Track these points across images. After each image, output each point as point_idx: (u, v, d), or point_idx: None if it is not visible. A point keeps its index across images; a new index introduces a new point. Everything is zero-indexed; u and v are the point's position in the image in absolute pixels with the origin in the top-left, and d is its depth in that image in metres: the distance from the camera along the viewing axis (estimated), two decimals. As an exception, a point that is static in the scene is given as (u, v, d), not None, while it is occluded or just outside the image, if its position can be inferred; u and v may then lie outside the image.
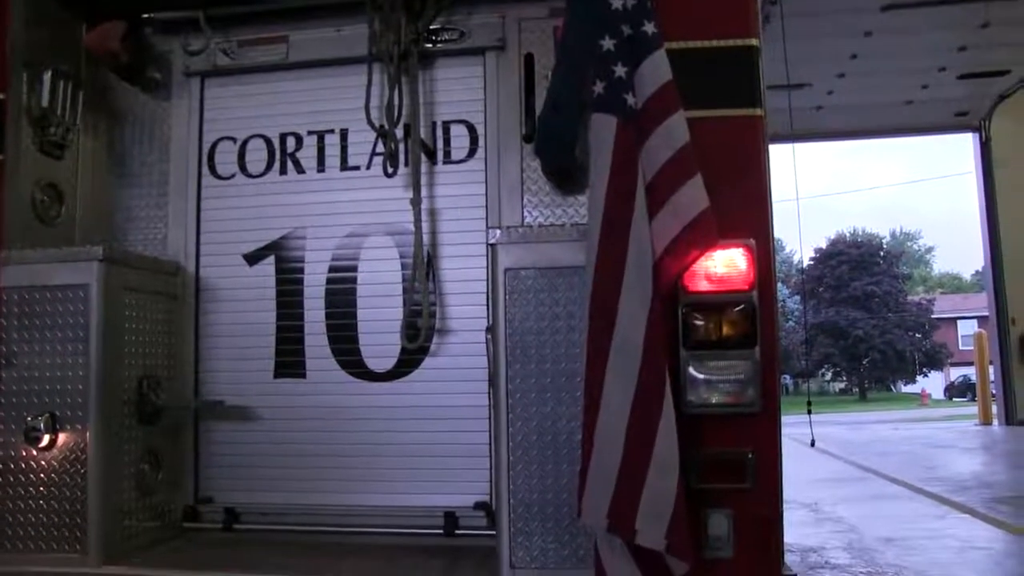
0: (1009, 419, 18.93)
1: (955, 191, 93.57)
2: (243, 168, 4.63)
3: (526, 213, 4.27)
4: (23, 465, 3.77)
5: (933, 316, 55.90)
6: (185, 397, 4.45)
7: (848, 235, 61.16)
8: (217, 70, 4.63)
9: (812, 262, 55.76)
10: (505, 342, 3.43)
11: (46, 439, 3.76)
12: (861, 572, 6.05)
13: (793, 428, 19.36)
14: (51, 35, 4.33)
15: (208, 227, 4.61)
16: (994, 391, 20.09)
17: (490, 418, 3.97)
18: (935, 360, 55.27)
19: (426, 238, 4.31)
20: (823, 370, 57.15)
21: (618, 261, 2.99)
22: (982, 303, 27.91)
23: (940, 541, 7.12)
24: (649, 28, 3.18)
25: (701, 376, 3.21)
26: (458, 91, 4.46)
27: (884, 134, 22.71)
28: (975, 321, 47.03)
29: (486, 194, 4.35)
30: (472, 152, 4.43)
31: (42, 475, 3.76)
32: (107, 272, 3.88)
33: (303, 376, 4.44)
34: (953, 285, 74.66)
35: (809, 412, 8.75)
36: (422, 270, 4.26)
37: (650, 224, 3.05)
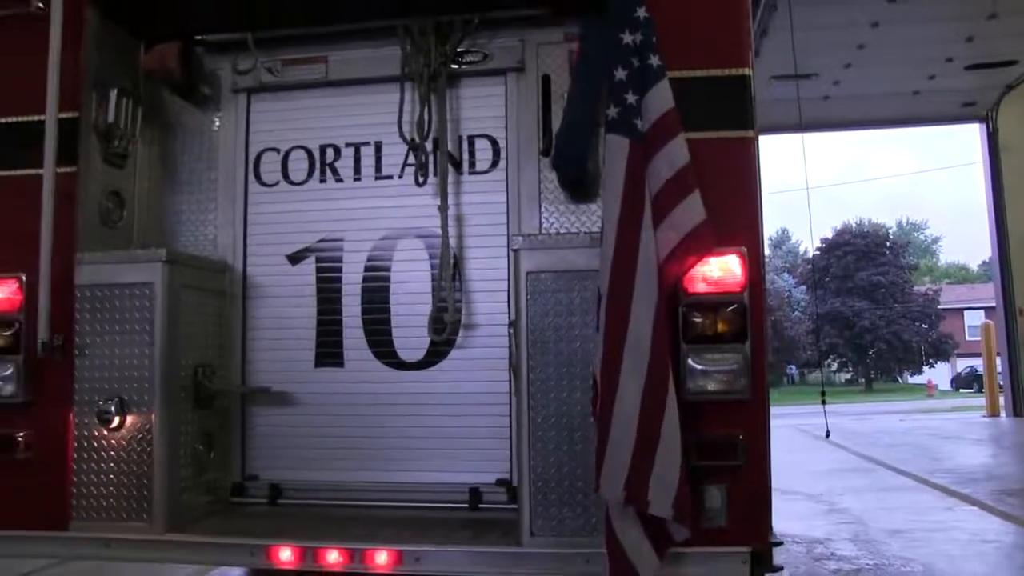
0: (1017, 411, 18.89)
1: (962, 181, 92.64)
2: (286, 176, 4.97)
3: (543, 220, 4.61)
4: (96, 444, 4.15)
5: (940, 307, 55.58)
6: (234, 384, 4.82)
7: (854, 225, 60.84)
8: (262, 87, 4.96)
9: (818, 252, 55.56)
10: (527, 336, 3.81)
11: (116, 421, 4.12)
12: (867, 564, 5.98)
13: (802, 419, 19.22)
14: (115, 57, 4.66)
15: (254, 230, 4.96)
16: (1001, 382, 19.99)
17: (510, 403, 4.37)
18: (941, 351, 55.00)
19: (453, 241, 4.67)
20: (829, 360, 57.01)
21: (630, 268, 3.40)
22: (989, 294, 27.46)
23: (947, 533, 7.02)
24: (654, 61, 3.59)
25: (699, 367, 3.59)
26: (482, 108, 4.80)
27: (891, 124, 23.03)
28: (982, 312, 46.77)
29: (507, 202, 4.70)
30: (495, 164, 4.78)
31: (113, 453, 4.14)
32: (169, 272, 4.24)
33: (341, 365, 4.80)
34: (960, 275, 74.07)
35: (823, 403, 8.93)
36: (449, 270, 4.63)
37: (655, 235, 3.45)
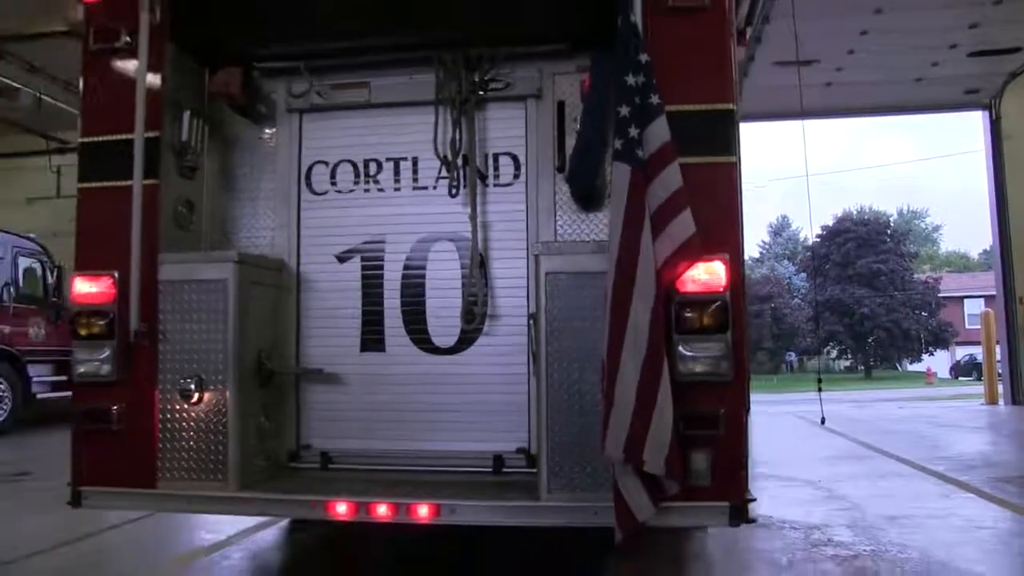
0: (1015, 399, 18.77)
1: (964, 170, 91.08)
2: (334, 186, 5.53)
3: (557, 227, 5.23)
4: (178, 416, 4.75)
5: (940, 295, 55.28)
6: (290, 366, 5.38)
7: (855, 212, 60.47)
8: (313, 107, 5.52)
9: (818, 239, 55.18)
10: (545, 327, 4.43)
11: (195, 396, 4.70)
12: (865, 550, 5.93)
13: (799, 405, 19.23)
14: (187, 83, 5.27)
15: (306, 232, 5.52)
16: (1000, 370, 19.74)
17: (528, 383, 5.02)
18: (941, 339, 54.80)
19: (480, 244, 5.25)
20: (828, 348, 56.83)
21: (631, 272, 4.04)
22: (989, 282, 26.91)
23: (944, 520, 6.93)
24: (654, 99, 4.21)
25: (688, 353, 4.21)
26: (505, 129, 5.36)
27: (894, 111, 22.63)
28: (982, 300, 46.59)
29: (526, 211, 5.30)
30: (516, 178, 5.35)
31: (192, 423, 4.74)
32: (239, 270, 4.82)
33: (383, 350, 5.37)
34: (960, 264, 73.47)
35: (819, 390, 8.86)
36: (477, 269, 5.23)
37: (652, 245, 4.11)
